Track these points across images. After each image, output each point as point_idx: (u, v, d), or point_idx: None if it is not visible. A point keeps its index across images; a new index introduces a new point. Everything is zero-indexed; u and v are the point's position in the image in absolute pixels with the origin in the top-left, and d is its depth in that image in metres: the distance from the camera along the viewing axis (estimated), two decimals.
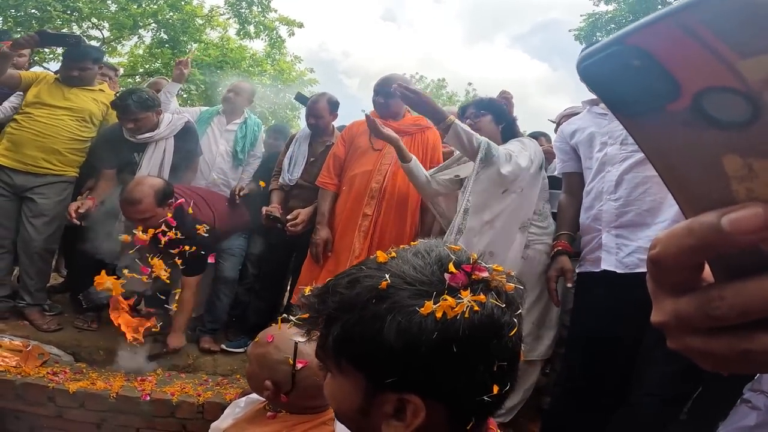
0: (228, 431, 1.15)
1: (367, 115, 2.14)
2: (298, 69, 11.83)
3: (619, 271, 1.69)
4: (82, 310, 2.68)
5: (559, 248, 1.92)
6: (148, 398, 2.18)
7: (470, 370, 0.50)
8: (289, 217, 2.48)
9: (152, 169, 2.55)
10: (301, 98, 3.00)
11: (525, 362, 0.83)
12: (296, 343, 1.06)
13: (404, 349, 0.49)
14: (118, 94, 2.59)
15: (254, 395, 1.26)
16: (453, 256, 0.54)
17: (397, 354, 0.49)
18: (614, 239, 1.73)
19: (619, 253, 1.70)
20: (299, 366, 1.06)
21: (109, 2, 9.81)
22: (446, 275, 0.51)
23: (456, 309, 0.49)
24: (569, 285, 1.89)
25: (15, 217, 2.57)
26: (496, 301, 0.52)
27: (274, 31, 10.54)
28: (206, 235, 2.37)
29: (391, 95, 2.21)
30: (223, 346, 2.80)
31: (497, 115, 2.22)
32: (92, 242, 2.41)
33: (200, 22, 10.31)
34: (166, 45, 10.08)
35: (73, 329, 2.67)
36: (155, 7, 9.68)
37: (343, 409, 0.57)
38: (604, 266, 1.73)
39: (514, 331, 0.53)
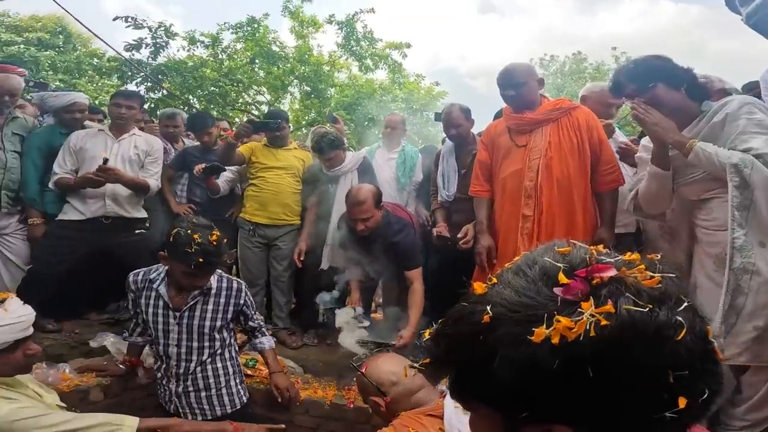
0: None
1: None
2: (424, 86, 12.05)
3: None
4: (307, 328, 3.22)
5: None
6: (352, 406, 2.37)
7: (628, 389, 0.41)
8: (459, 235, 2.51)
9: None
10: (437, 117, 3.04)
11: None
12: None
13: (524, 384, 0.42)
14: (315, 140, 3.02)
15: None
16: (562, 263, 0.45)
17: (518, 390, 0.43)
18: None
19: None
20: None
21: (257, 69, 11.47)
22: (556, 290, 0.43)
23: (575, 329, 0.40)
24: None
25: (266, 262, 3.14)
26: (635, 303, 0.41)
27: (389, 58, 11.00)
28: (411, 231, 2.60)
29: (520, 85, 2.13)
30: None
31: (668, 78, 1.74)
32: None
33: (326, 68, 11.30)
34: (312, 95, 11.29)
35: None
36: (289, 65, 10.98)
37: None
38: None
39: (683, 332, 0.41)
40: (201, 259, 1.74)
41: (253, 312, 2.17)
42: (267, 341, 2.25)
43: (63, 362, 2.43)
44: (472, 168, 2.55)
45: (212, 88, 11.14)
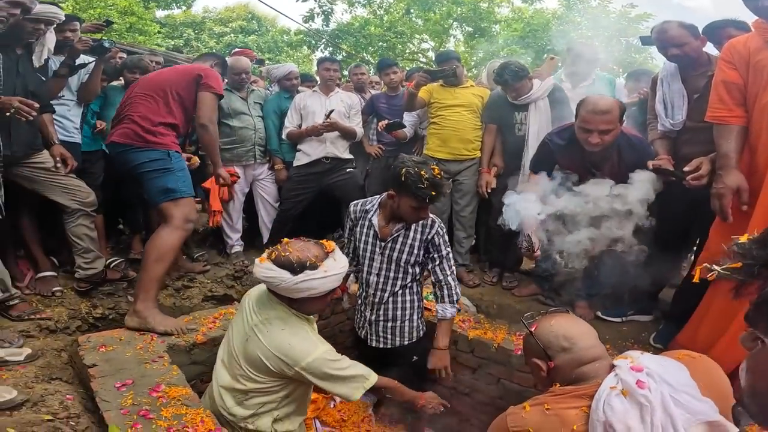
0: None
1: None
2: (614, 9, 10.21)
3: None
4: (491, 266, 3.32)
5: None
6: (520, 353, 2.25)
7: None
8: (687, 168, 2.07)
9: (540, 124, 2.91)
10: (645, 40, 2.54)
11: None
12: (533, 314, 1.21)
13: None
14: (495, 71, 2.97)
15: None
16: None
17: None
18: None
19: None
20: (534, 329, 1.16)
21: (415, 18, 11.39)
22: None
23: None
24: None
25: (449, 197, 3.16)
26: None
27: None
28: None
29: None
30: (599, 313, 2.69)
31: None
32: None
33: (484, 6, 10.46)
34: (476, 35, 10.79)
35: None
36: (445, 8, 10.51)
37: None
38: None
39: None
40: (433, 192, 1.84)
41: (441, 256, 2.10)
42: (447, 311, 2.12)
43: None
44: (707, 91, 2.09)
45: (380, 43, 11.67)
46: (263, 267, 1.49)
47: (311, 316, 1.70)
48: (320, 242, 1.63)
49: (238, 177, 3.25)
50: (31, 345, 2.00)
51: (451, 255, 2.14)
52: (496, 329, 2.51)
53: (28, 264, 2.57)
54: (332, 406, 2.68)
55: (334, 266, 1.48)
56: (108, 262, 2.86)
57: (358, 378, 1.62)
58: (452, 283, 2.12)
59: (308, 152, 3.34)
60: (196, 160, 3.00)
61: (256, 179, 3.50)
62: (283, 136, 3.43)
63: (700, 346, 1.82)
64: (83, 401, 1.72)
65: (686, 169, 2.04)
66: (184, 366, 1.99)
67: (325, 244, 1.60)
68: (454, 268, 2.15)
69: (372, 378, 1.64)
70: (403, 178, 1.86)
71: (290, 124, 3.39)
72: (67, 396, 1.67)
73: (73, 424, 1.50)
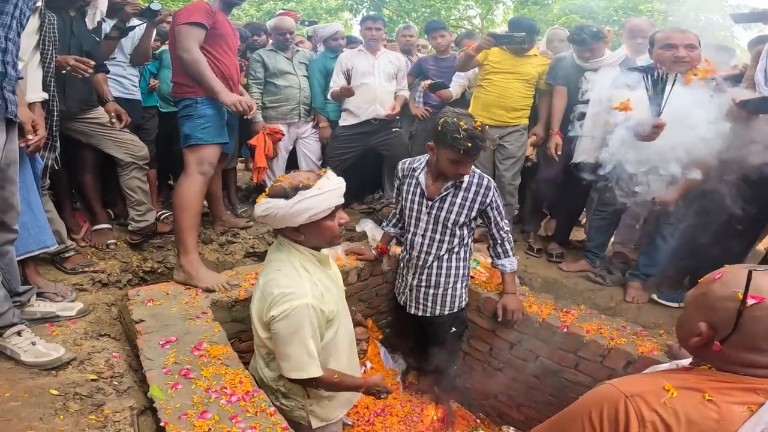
0: (640, 375, 0.97)
1: None
2: None
3: None
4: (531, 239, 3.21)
5: None
6: (566, 330, 2.14)
7: None
8: None
9: (604, 91, 2.61)
10: (738, 18, 2.29)
11: None
12: (750, 272, 0.80)
13: None
14: (572, 30, 2.82)
15: (677, 362, 1.05)
16: None
17: None
18: None
19: None
20: (750, 302, 0.78)
21: None
22: None
23: None
24: None
25: (492, 161, 3.14)
26: None
27: None
28: None
29: None
30: (654, 296, 2.45)
31: None
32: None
33: None
34: (529, 2, 10.00)
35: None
36: None
37: None
38: None
39: None
40: (469, 144, 1.73)
41: (499, 218, 2.05)
42: (509, 264, 2.13)
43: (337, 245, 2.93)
44: None
45: (423, 9, 11.09)
46: (260, 205, 1.37)
47: (326, 259, 1.51)
48: (311, 170, 1.50)
49: (283, 134, 3.27)
50: (83, 299, 2.04)
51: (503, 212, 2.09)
52: (542, 304, 2.35)
53: (85, 216, 2.63)
54: (362, 372, 2.65)
55: (328, 184, 1.35)
56: (159, 215, 2.91)
57: (308, 363, 1.38)
58: (511, 237, 2.12)
59: (356, 113, 3.25)
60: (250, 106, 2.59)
61: (300, 137, 3.47)
62: (328, 96, 3.32)
63: None
64: (128, 359, 1.74)
65: None
66: (225, 323, 1.98)
67: (316, 171, 1.45)
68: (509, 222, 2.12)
69: (313, 371, 1.39)
70: (440, 128, 1.78)
71: (335, 84, 3.26)
72: (114, 354, 1.68)
73: (116, 383, 1.51)
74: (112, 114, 2.37)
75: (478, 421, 2.69)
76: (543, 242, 3.21)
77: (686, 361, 0.98)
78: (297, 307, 1.32)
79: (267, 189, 1.40)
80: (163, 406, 1.37)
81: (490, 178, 2.02)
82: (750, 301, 0.78)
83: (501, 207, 2.04)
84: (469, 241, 2.15)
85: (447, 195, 2.00)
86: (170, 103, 2.95)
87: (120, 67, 2.69)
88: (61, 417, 1.31)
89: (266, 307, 1.36)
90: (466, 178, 1.97)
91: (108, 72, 2.52)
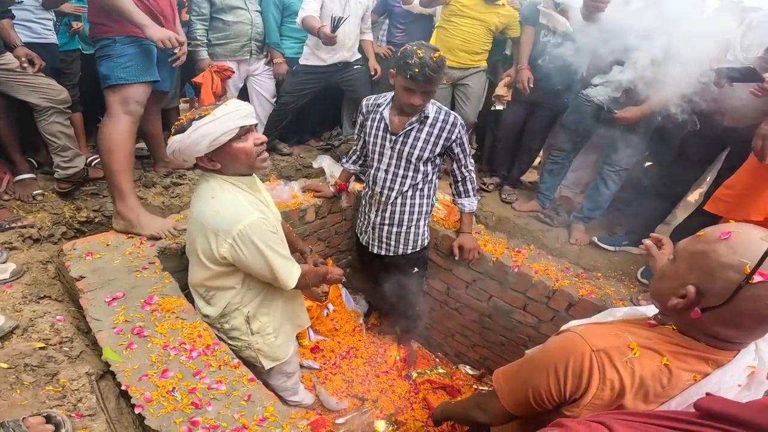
0: (605, 325, 0.92)
1: None
2: None
3: None
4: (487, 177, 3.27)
5: None
6: (516, 270, 2.20)
7: None
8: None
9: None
10: None
11: None
12: None
13: None
14: None
15: (635, 308, 1.01)
16: None
17: None
18: None
19: None
20: (757, 279, 0.69)
21: None
22: None
23: None
24: None
25: (450, 100, 3.14)
26: None
27: None
28: None
29: None
30: (595, 239, 2.61)
31: None
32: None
33: None
34: None
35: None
36: None
37: None
38: None
39: None
40: (417, 70, 1.69)
41: (463, 156, 2.02)
42: (469, 204, 2.14)
43: (293, 181, 2.66)
44: None
45: None
46: (167, 145, 1.36)
47: (253, 182, 1.47)
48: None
49: (232, 72, 2.99)
50: (14, 258, 1.83)
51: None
52: (496, 242, 2.41)
53: (4, 167, 2.31)
54: (325, 314, 2.69)
55: (224, 109, 1.32)
56: (89, 160, 2.67)
57: (290, 261, 1.48)
58: (474, 177, 2.12)
59: (322, 57, 3.01)
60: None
61: (251, 74, 3.18)
62: (297, 21, 2.87)
63: None
64: (75, 321, 1.60)
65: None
66: (177, 273, 1.83)
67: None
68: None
69: (296, 270, 1.50)
70: (400, 53, 1.75)
71: (308, 6, 2.83)
72: (58, 317, 1.54)
73: (66, 349, 1.40)
74: (23, 59, 2.12)
75: (438, 360, 2.83)
76: (499, 182, 3.26)
77: (648, 309, 0.98)
78: (249, 224, 1.34)
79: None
80: (121, 369, 1.29)
81: (457, 115, 1.96)
82: (756, 278, 0.69)
83: (466, 145, 2.01)
84: (434, 177, 2.12)
85: (411, 130, 1.95)
86: (93, 45, 2.58)
87: (29, 12, 2.35)
88: (18, 391, 1.21)
89: (217, 240, 1.35)
90: (431, 114, 1.92)
91: (13, 17, 2.20)
